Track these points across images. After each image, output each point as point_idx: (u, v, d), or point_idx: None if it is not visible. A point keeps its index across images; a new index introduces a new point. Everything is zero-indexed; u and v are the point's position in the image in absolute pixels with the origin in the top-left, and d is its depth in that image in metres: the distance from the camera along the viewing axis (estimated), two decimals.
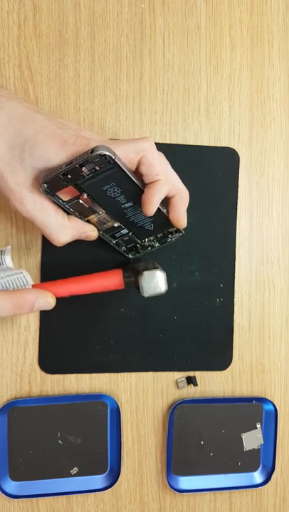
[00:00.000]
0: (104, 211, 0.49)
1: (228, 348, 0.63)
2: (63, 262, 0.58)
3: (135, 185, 0.46)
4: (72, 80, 0.58)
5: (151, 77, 0.60)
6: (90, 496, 0.60)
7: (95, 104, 0.59)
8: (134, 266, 0.54)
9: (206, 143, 0.61)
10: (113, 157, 0.42)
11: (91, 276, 0.53)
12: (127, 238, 0.54)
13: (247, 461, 0.63)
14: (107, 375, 0.60)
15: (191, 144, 0.61)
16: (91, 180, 0.44)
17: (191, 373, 0.62)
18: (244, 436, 0.63)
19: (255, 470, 0.63)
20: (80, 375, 0.59)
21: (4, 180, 0.44)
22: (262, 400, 0.63)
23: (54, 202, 0.46)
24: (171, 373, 0.62)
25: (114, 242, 0.54)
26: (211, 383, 0.62)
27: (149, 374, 0.61)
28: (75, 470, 0.59)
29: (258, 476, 0.63)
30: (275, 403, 0.63)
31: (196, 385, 0.61)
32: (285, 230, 0.64)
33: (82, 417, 0.59)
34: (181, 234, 0.54)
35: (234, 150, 0.62)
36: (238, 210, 0.62)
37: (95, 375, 0.60)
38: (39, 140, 0.43)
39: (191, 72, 0.61)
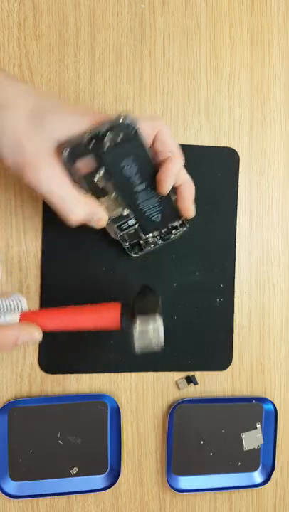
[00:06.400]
0: (116, 193, 0.49)
1: (228, 348, 0.63)
2: (63, 261, 0.58)
3: (150, 164, 0.47)
4: (73, 80, 0.58)
5: (151, 77, 0.60)
6: (90, 496, 0.60)
7: (95, 105, 0.59)
8: (134, 300, 0.48)
9: (206, 143, 0.61)
10: (137, 127, 0.44)
11: (84, 312, 0.49)
12: (133, 231, 0.54)
13: (247, 461, 0.63)
14: (107, 375, 0.60)
15: (191, 144, 0.61)
16: (112, 152, 0.45)
17: (191, 373, 0.62)
18: (244, 436, 0.63)
19: (255, 470, 0.63)
20: (80, 375, 0.59)
21: (23, 150, 0.43)
22: (262, 400, 0.63)
23: (70, 177, 0.46)
24: (171, 373, 0.62)
25: (120, 234, 0.54)
26: (211, 383, 0.62)
27: (149, 374, 0.61)
28: (75, 470, 0.59)
29: (257, 476, 0.63)
30: (274, 403, 0.63)
31: (196, 383, 0.61)
32: (285, 230, 0.64)
33: (82, 417, 0.59)
34: (185, 228, 0.55)
35: (234, 150, 0.62)
36: (238, 210, 0.62)
37: (95, 375, 0.60)
38: (59, 110, 0.44)
39: (191, 72, 0.61)
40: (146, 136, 0.46)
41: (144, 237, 0.55)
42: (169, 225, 0.55)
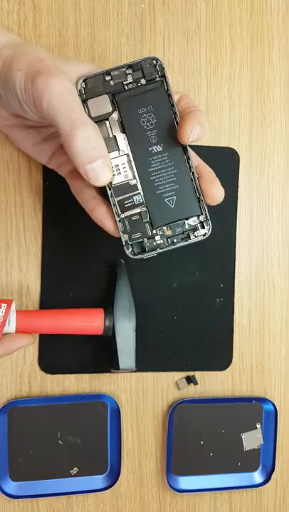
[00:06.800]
0: (127, 150, 0.42)
1: (228, 348, 0.63)
2: (63, 262, 0.58)
3: (172, 121, 0.41)
4: None
5: None
6: (90, 496, 0.60)
7: None
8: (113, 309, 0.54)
9: (206, 143, 0.61)
10: (164, 66, 0.40)
11: (67, 316, 0.54)
12: (137, 217, 0.42)
13: (247, 461, 0.63)
14: (107, 375, 0.60)
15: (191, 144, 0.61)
16: (130, 94, 0.41)
17: (191, 373, 0.62)
18: (244, 436, 0.63)
19: (255, 470, 0.63)
20: (80, 375, 0.59)
21: (41, 61, 0.39)
22: (262, 400, 0.63)
23: None
24: (171, 373, 0.62)
25: (119, 217, 0.42)
26: (211, 383, 0.62)
27: (149, 374, 0.61)
28: (75, 470, 0.59)
29: (257, 476, 0.63)
30: (275, 403, 0.63)
31: (196, 383, 0.61)
32: (285, 230, 0.64)
33: (82, 417, 0.59)
34: (210, 228, 0.43)
35: (234, 150, 0.62)
36: (238, 210, 0.62)
37: (95, 375, 0.60)
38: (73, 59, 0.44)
39: (191, 72, 0.61)
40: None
41: (150, 232, 0.43)
42: (186, 218, 0.43)
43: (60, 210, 0.57)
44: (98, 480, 0.60)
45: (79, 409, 0.59)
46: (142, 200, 0.42)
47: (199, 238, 0.43)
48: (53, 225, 0.57)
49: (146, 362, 0.60)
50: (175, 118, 0.41)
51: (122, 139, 0.41)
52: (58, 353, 0.58)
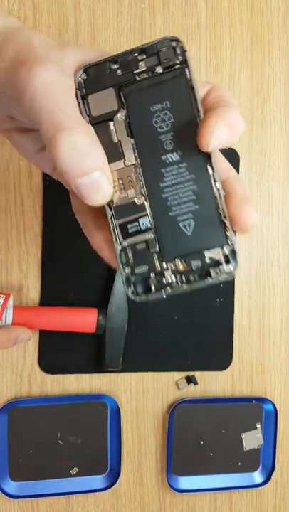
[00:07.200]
0: (134, 160, 0.32)
1: (228, 348, 0.63)
2: (62, 262, 0.58)
3: (195, 118, 0.31)
4: None
5: None
6: (90, 496, 0.60)
7: None
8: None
9: None
10: (186, 49, 0.31)
11: (62, 314, 0.56)
12: (143, 246, 0.32)
13: (247, 461, 0.63)
14: (107, 375, 0.60)
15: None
16: (142, 89, 0.32)
17: (191, 373, 0.62)
18: (244, 436, 0.63)
19: (255, 470, 0.63)
20: (80, 375, 0.59)
21: (30, 48, 0.31)
22: (262, 400, 0.63)
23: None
24: (171, 373, 0.61)
25: (121, 245, 0.32)
26: (211, 383, 0.62)
27: (149, 374, 0.61)
28: (75, 470, 0.59)
29: (257, 476, 0.63)
30: (275, 403, 0.63)
31: (196, 383, 0.61)
32: (285, 230, 0.64)
33: (82, 417, 0.59)
34: (236, 265, 0.31)
35: (234, 150, 0.62)
36: None
37: (95, 375, 0.60)
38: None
39: None
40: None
41: (158, 265, 0.32)
42: (206, 249, 0.32)
43: (59, 210, 0.57)
44: (98, 480, 0.60)
45: (79, 409, 0.59)
46: (150, 225, 0.32)
47: (223, 277, 0.32)
48: (53, 225, 0.57)
49: (146, 362, 0.60)
50: (198, 117, 0.31)
51: (128, 145, 0.32)
52: (58, 353, 0.58)
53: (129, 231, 0.32)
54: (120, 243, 0.32)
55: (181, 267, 0.32)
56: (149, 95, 0.32)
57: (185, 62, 0.32)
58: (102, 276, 0.59)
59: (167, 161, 0.32)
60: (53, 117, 0.29)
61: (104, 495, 0.60)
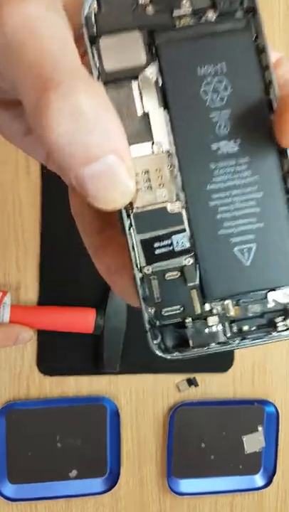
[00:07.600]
0: (168, 144, 0.21)
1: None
2: (61, 261, 0.58)
3: (263, 93, 0.21)
4: None
5: None
6: (89, 499, 0.59)
7: None
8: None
9: None
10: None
11: (61, 314, 0.56)
12: (177, 276, 0.21)
13: (248, 464, 0.62)
14: (106, 377, 0.59)
15: None
16: (185, 40, 0.21)
17: (191, 375, 0.61)
18: (245, 438, 0.62)
19: (256, 473, 0.63)
20: (79, 377, 0.59)
21: None
22: (263, 402, 0.62)
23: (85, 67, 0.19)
24: (171, 375, 0.61)
25: (142, 272, 0.21)
26: (212, 385, 0.62)
27: (149, 376, 0.61)
28: (74, 473, 0.58)
29: (259, 479, 0.63)
30: (276, 405, 0.63)
31: (196, 385, 0.61)
32: None
33: (82, 420, 0.58)
34: None
35: None
36: None
37: (94, 377, 0.59)
38: None
39: None
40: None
41: (198, 307, 0.21)
42: (271, 289, 0.21)
43: (58, 209, 0.57)
44: (97, 483, 0.59)
45: (78, 412, 0.58)
46: (188, 245, 0.21)
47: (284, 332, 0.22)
48: (52, 225, 0.57)
49: (146, 363, 0.60)
50: (268, 93, 0.21)
51: (160, 121, 0.21)
52: (56, 355, 0.58)
53: (156, 252, 0.21)
54: (141, 269, 0.21)
55: (232, 313, 0.22)
56: (196, 51, 0.21)
57: (253, 11, 0.21)
58: (101, 277, 0.58)
59: (220, 153, 0.21)
60: (40, 69, 0.17)
61: (103, 498, 0.60)
